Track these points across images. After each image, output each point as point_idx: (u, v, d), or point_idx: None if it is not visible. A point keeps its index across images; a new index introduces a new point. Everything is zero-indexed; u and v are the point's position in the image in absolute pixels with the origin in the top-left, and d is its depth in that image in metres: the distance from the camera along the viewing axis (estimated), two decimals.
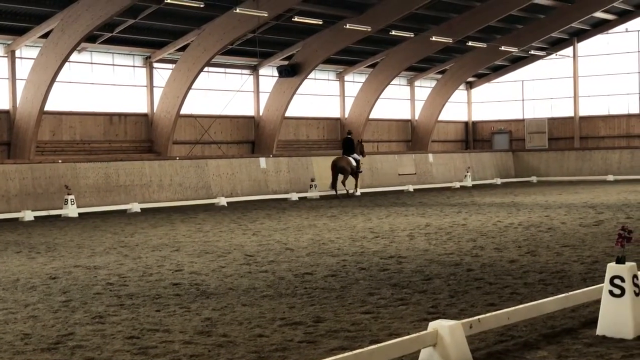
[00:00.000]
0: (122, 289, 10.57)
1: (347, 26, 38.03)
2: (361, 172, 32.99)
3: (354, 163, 32.12)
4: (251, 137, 42.98)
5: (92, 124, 36.10)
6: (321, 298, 9.65)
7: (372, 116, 47.75)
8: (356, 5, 38.69)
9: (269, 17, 34.55)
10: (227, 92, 42.03)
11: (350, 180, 32.53)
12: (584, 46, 52.19)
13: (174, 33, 37.06)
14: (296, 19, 36.02)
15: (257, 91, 43.56)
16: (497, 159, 45.55)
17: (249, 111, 43.30)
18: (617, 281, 7.43)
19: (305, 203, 28.73)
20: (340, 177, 31.75)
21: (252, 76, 43.46)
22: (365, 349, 6.14)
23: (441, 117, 53.11)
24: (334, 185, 31.67)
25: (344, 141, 33.28)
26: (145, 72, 38.40)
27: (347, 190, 31.97)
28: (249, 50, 40.48)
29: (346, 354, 5.93)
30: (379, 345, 6.26)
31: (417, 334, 6.55)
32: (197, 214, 23.86)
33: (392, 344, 6.28)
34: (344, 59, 46.13)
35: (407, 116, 53.01)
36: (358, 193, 32.72)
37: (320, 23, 37.44)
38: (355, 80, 48.77)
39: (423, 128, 52.23)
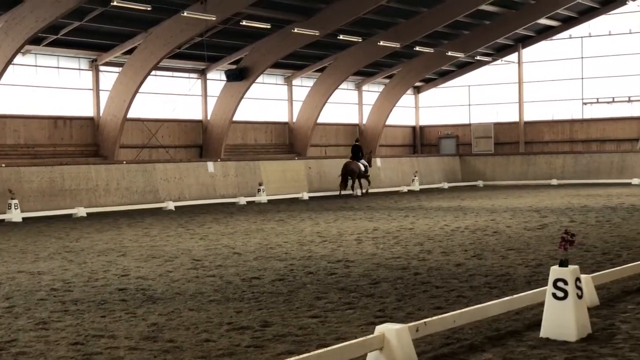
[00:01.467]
0: (66, 295, 10.45)
1: (295, 30, 38.06)
2: (368, 175, 35.50)
3: (362, 167, 34.78)
4: (199, 141, 42.77)
5: (37, 127, 35.60)
6: (269, 302, 9.64)
7: (320, 120, 47.82)
8: (304, 9, 38.74)
9: (217, 21, 34.41)
10: (174, 95, 41.79)
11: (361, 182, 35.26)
12: (528, 52, 52.87)
13: (121, 36, 36.72)
14: (244, 23, 35.92)
15: (205, 95, 43.35)
16: (445, 163, 45.91)
17: (197, 115, 43.09)
18: (560, 284, 7.53)
19: (254, 207, 28.68)
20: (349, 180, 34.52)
21: (200, 80, 43.24)
22: (312, 353, 6.15)
23: (389, 122, 53.38)
24: (344, 187, 34.19)
25: (352, 148, 36.03)
26: (91, 75, 37.98)
27: (354, 192, 34.56)
28: (197, 54, 40.27)
29: (293, 359, 5.93)
30: (326, 349, 6.27)
31: (364, 338, 6.57)
32: (144, 219, 23.68)
33: (339, 348, 6.29)
34: (292, 63, 46.14)
35: (355, 120, 53.18)
36: (358, 193, 34.91)
37: (269, 27, 37.41)
38: (304, 85, 48.80)
39: (371, 132, 52.45)
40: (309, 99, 47.20)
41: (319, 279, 11.38)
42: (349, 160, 35.14)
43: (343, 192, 34.24)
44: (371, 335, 6.63)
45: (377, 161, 41.10)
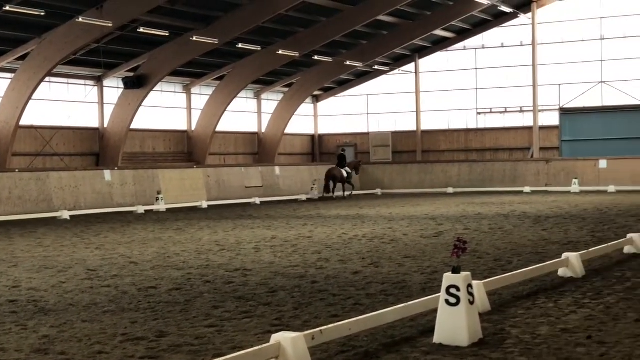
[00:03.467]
0: None
1: (194, 38, 37.85)
2: (350, 180, 39.77)
3: (345, 174, 38.88)
4: (95, 149, 42.06)
5: None
6: (165, 312, 9.54)
7: (219, 129, 47.62)
8: (203, 17, 38.55)
9: (114, 27, 33.96)
10: (70, 103, 41.00)
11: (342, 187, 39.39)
12: (425, 62, 53.84)
13: (14, 41, 35.84)
14: (142, 30, 35.54)
15: (101, 102, 42.69)
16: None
17: (93, 123, 42.38)
18: (452, 290, 7.68)
19: (152, 216, 28.34)
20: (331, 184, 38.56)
21: (96, 87, 42.57)
22: None
23: (288, 130, 53.55)
24: (327, 191, 38.51)
25: (338, 156, 40.84)
26: None
27: (333, 195, 38.48)
28: (94, 60, 39.65)
29: None
30: (222, 359, 6.24)
31: (260, 347, 6.57)
32: (38, 228, 23.13)
33: (235, 357, 6.27)
34: (191, 72, 45.86)
35: (254, 129, 53.16)
36: (341, 195, 39.08)
37: (167, 35, 37.12)
38: (203, 93, 48.55)
39: (270, 141, 52.50)
40: (208, 107, 46.96)
41: (217, 288, 11.32)
42: (332, 167, 39.52)
43: (325, 195, 38.49)
44: (267, 344, 6.63)
45: (276, 169, 41.17)
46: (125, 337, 8.24)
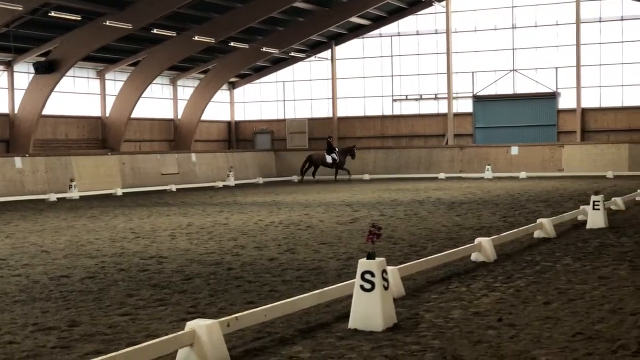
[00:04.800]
0: None
1: (107, 23, 37.22)
2: (342, 169, 41.50)
3: (328, 160, 40.98)
4: (5, 135, 41.09)
5: None
6: (77, 301, 9.39)
7: (134, 115, 47.01)
8: (116, 2, 37.92)
9: (24, 11, 33.21)
10: None
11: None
12: (341, 49, 54.04)
13: None
14: (53, 14, 34.79)
15: (11, 88, 41.69)
16: (260, 158, 46.21)
17: (3, 108, 41.38)
18: (367, 276, 7.74)
19: (65, 204, 27.84)
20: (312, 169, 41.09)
21: (6, 72, 41.55)
22: (121, 351, 6.04)
23: (204, 117, 53.18)
24: (301, 172, 41.23)
25: (326, 142, 42.49)
26: None
27: (313, 178, 40.97)
28: (3, 45, 38.67)
29: (100, 358, 5.81)
30: (135, 347, 6.18)
31: (174, 335, 6.52)
32: None
33: (148, 345, 6.21)
34: (105, 57, 45.13)
35: (170, 116, 52.64)
36: (334, 178, 41.39)
37: (79, 19, 36.39)
38: (117, 79, 47.84)
39: (186, 127, 52.06)
40: (122, 93, 46.29)
41: (131, 275, 11.19)
42: (314, 152, 42.48)
43: (305, 178, 41.16)
44: (181, 332, 6.59)
45: (192, 156, 40.87)
46: (36, 327, 8.08)
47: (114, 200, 29.53)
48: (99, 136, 46.59)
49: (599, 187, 28.61)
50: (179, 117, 52.53)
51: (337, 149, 41.95)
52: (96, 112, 47.10)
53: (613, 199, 20.00)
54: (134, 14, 38.22)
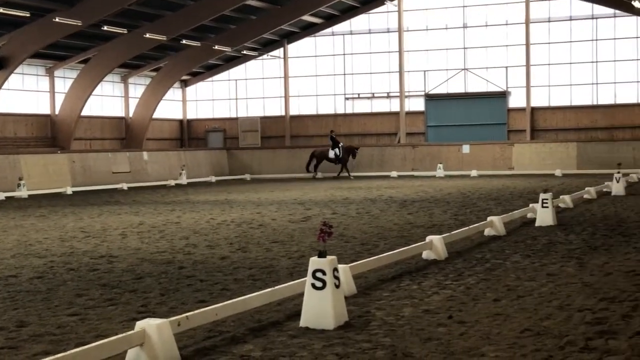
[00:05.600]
0: None
1: (57, 20, 36.80)
2: (346, 168, 41.49)
3: (331, 156, 41.23)
4: None
5: None
6: (25, 301, 9.28)
7: (84, 113, 46.54)
8: None
9: None
10: None
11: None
12: (294, 48, 54.03)
13: None
14: (1, 10, 34.29)
15: None
16: (212, 157, 46.02)
17: None
18: (318, 274, 7.74)
19: (13, 203, 27.46)
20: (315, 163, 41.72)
21: None
22: (69, 352, 5.98)
23: (156, 115, 52.82)
24: (306, 168, 41.79)
25: (329, 138, 42.45)
26: None
27: (316, 173, 41.69)
28: None
29: (49, 359, 5.75)
30: (84, 347, 6.12)
31: (124, 334, 6.47)
32: None
33: (97, 345, 6.16)
34: (54, 54, 44.62)
35: (122, 114, 52.20)
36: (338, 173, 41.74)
37: (28, 15, 35.92)
38: (67, 77, 47.32)
39: (138, 126, 51.66)
40: (72, 91, 45.79)
41: (81, 275, 11.08)
42: (318, 149, 42.48)
43: (312, 173, 41.74)
44: (131, 332, 6.54)
45: (144, 155, 40.57)
46: None
47: (64, 199, 29.21)
48: (49, 134, 46.05)
49: (548, 185, 28.95)
50: (131, 115, 52.11)
51: (341, 145, 41.72)
52: (45, 110, 46.53)
53: (561, 196, 20.27)
54: (84, 10, 37.83)
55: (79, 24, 37.62)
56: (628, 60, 48.01)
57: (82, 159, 36.69)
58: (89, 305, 8.98)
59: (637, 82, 48.08)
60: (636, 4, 39.45)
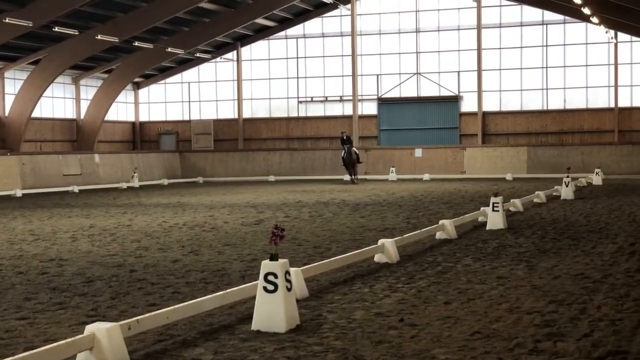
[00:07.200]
0: None
1: (7, 20, 36.29)
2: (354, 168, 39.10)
3: (352, 155, 38.41)
4: None
5: None
6: None
7: (34, 115, 45.94)
8: None
9: None
10: None
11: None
12: (247, 51, 53.92)
13: None
14: None
15: None
16: (164, 159, 45.77)
17: None
18: (270, 277, 7.75)
19: None
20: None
21: None
22: (17, 356, 5.91)
23: (108, 117, 52.32)
24: (349, 174, 38.89)
25: (347, 139, 39.65)
26: None
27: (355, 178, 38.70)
28: None
29: None
30: (32, 352, 6.06)
31: (73, 339, 6.41)
32: None
33: (46, 349, 6.10)
34: (4, 55, 43.98)
35: (73, 115, 51.63)
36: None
37: None
38: (17, 78, 46.66)
39: (89, 128, 51.12)
40: (22, 92, 45.16)
41: (30, 279, 10.95)
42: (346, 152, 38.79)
43: (352, 178, 38.64)
44: (80, 336, 6.48)
45: (96, 157, 40.23)
46: None
47: (13, 201, 28.84)
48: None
49: (499, 189, 29.26)
50: (82, 117, 51.54)
51: (347, 146, 38.91)
52: None
53: (512, 200, 20.50)
54: (35, 11, 37.34)
55: (30, 24, 37.13)
56: (577, 66, 48.68)
57: (32, 161, 36.27)
58: (38, 309, 8.88)
59: (586, 87, 48.75)
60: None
